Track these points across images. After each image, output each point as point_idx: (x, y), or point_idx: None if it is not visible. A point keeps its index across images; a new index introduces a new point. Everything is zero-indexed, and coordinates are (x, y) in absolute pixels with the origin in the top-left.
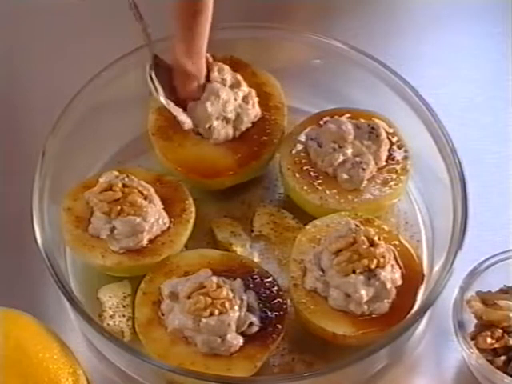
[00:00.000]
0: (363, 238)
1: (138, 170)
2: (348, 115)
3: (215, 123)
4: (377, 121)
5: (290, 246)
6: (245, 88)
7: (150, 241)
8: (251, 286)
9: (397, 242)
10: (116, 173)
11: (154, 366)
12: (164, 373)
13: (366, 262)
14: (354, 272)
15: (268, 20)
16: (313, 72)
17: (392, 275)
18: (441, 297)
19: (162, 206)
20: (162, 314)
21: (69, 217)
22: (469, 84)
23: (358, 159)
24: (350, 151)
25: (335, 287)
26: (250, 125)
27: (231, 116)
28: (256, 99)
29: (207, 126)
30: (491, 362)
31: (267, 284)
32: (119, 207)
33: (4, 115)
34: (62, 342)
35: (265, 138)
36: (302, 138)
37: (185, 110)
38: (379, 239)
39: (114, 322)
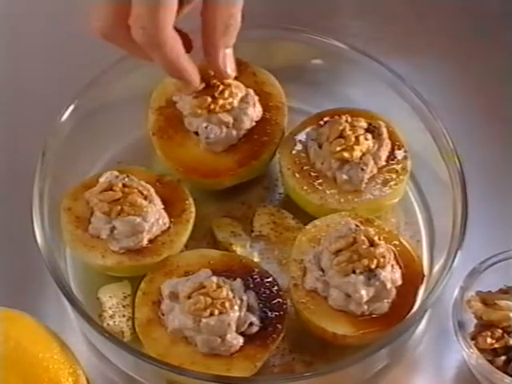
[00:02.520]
0: (363, 238)
1: (138, 170)
2: (348, 115)
3: (209, 125)
4: (377, 121)
5: (289, 246)
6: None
7: (150, 241)
8: (251, 286)
9: (397, 242)
10: (116, 173)
11: (154, 366)
12: (164, 373)
13: (366, 262)
14: (354, 272)
15: (268, 20)
16: (313, 72)
17: (392, 275)
18: (441, 297)
19: (162, 206)
20: (162, 314)
21: (69, 217)
22: (469, 84)
23: (357, 160)
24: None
25: (335, 287)
26: (253, 124)
27: (228, 120)
28: (256, 98)
29: (204, 125)
30: (491, 362)
31: (267, 284)
32: (119, 207)
33: (4, 115)
34: (62, 342)
35: (265, 137)
36: (302, 138)
37: None
38: (379, 239)
39: (114, 322)
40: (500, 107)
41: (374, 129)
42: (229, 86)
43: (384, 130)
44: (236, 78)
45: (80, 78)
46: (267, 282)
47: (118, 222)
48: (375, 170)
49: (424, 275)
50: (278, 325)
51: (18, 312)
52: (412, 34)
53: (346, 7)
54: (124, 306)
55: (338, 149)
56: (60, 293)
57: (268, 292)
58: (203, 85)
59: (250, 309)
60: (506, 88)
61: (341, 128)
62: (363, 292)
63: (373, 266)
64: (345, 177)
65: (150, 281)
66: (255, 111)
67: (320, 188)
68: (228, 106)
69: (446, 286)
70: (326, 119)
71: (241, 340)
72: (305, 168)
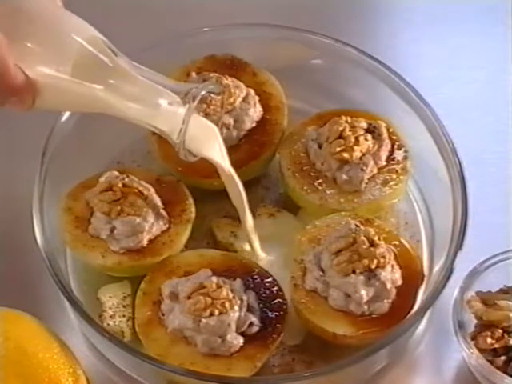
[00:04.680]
0: (363, 238)
1: (138, 170)
2: (348, 115)
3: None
4: (377, 121)
5: (290, 246)
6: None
7: (150, 241)
8: (251, 286)
9: (397, 242)
10: (116, 173)
11: (154, 366)
12: (164, 373)
13: (366, 262)
14: (354, 272)
15: (268, 20)
16: (313, 72)
17: (392, 275)
18: (441, 297)
19: (162, 206)
20: (162, 314)
21: (69, 217)
22: (469, 84)
23: (357, 160)
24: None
25: (335, 287)
26: (253, 124)
27: (229, 122)
28: (257, 98)
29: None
30: (491, 362)
31: (267, 284)
32: (119, 207)
33: (4, 115)
34: (62, 342)
35: (265, 137)
36: (302, 138)
37: None
38: (379, 239)
39: (114, 322)
40: (500, 106)
41: (374, 129)
42: (227, 86)
43: (384, 130)
44: (236, 78)
45: None
46: (267, 282)
47: (117, 222)
48: (375, 170)
49: (424, 275)
50: (278, 325)
51: (18, 312)
52: (412, 35)
53: (346, 7)
54: (124, 306)
55: (338, 149)
56: (60, 293)
57: (268, 292)
58: None
59: (250, 309)
60: (506, 86)
61: (340, 128)
62: (363, 292)
63: (373, 266)
64: (345, 177)
65: (150, 281)
66: (256, 111)
67: (320, 188)
68: (228, 107)
69: (445, 286)
70: (325, 119)
71: (241, 340)
72: (305, 168)
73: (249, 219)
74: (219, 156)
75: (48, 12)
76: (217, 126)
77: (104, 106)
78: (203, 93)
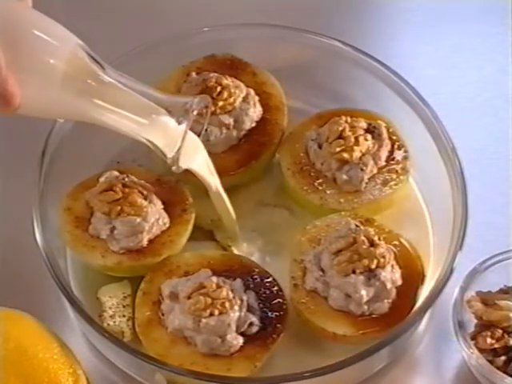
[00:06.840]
0: (363, 238)
1: (138, 170)
2: (348, 115)
3: (209, 127)
4: (377, 121)
5: (290, 246)
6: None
7: (150, 241)
8: (251, 286)
9: (397, 242)
10: (116, 173)
11: (153, 366)
12: (164, 373)
13: (366, 262)
14: (354, 272)
15: (268, 20)
16: (313, 72)
17: (392, 275)
18: (441, 297)
19: (162, 206)
20: (162, 314)
21: (69, 217)
22: (469, 84)
23: (356, 160)
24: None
25: (335, 287)
26: (253, 124)
27: (229, 122)
28: (257, 98)
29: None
30: (491, 362)
31: (267, 284)
32: (119, 207)
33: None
34: (62, 342)
35: (265, 138)
36: (302, 138)
37: None
38: (379, 239)
39: (114, 322)
40: (501, 106)
41: (374, 129)
42: (227, 86)
43: (384, 130)
44: (236, 78)
45: None
46: (267, 282)
47: (117, 222)
48: (375, 170)
49: (424, 275)
50: (278, 325)
51: (18, 312)
52: (412, 35)
53: (346, 7)
54: (124, 306)
55: (338, 149)
56: (60, 293)
57: (268, 292)
58: None
59: (250, 309)
60: (507, 86)
61: (340, 129)
62: (363, 292)
63: (373, 266)
64: (345, 177)
65: (149, 281)
66: (255, 111)
67: (320, 188)
68: (228, 107)
69: (445, 285)
70: (325, 119)
71: (241, 340)
72: (305, 168)
73: (236, 228)
74: (205, 169)
75: (32, 20)
76: (199, 135)
77: (93, 118)
78: (195, 112)
